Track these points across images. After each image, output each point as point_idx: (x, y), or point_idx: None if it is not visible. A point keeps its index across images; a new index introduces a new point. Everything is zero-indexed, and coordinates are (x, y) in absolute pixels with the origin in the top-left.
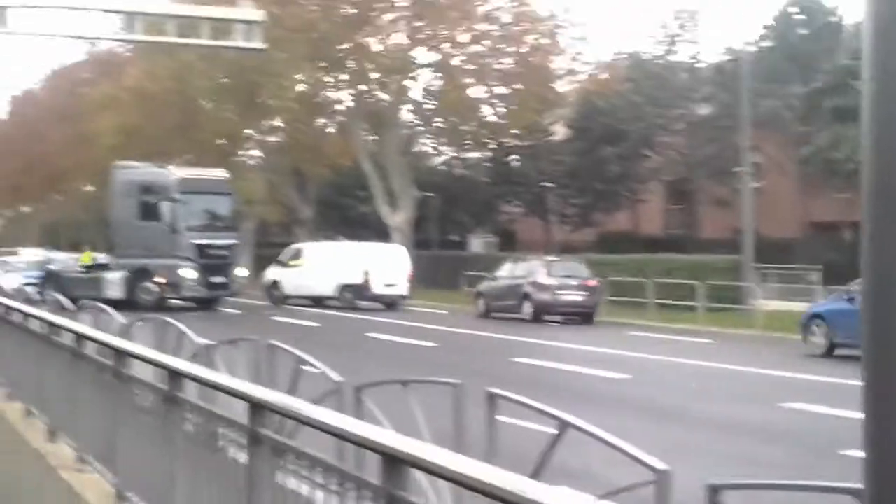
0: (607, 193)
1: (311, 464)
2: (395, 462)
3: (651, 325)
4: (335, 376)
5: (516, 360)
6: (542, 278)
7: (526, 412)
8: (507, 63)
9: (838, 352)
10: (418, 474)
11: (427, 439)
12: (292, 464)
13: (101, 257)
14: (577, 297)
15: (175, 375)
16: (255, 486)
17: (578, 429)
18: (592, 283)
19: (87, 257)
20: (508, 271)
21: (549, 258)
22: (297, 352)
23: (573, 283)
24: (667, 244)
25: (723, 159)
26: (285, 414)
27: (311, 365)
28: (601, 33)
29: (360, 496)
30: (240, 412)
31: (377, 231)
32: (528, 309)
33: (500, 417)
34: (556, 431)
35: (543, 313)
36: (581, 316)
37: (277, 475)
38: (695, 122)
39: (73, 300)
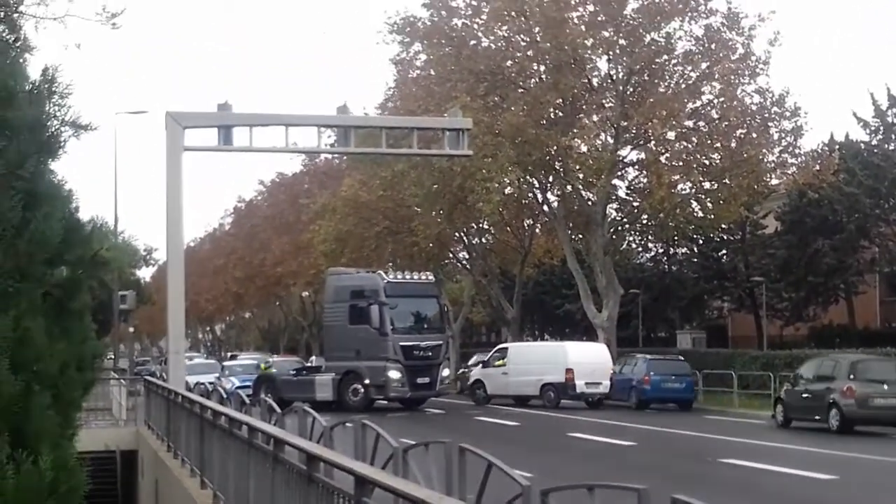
0: (821, 286)
1: None
2: None
3: None
4: (523, 480)
5: (720, 460)
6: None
7: None
8: (715, 158)
9: None
10: None
11: None
12: None
13: (314, 360)
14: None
15: (361, 481)
16: None
17: None
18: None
19: (265, 367)
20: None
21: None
22: (487, 455)
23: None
24: (885, 337)
25: None
26: None
27: (501, 468)
28: (812, 122)
29: None
30: None
31: (582, 329)
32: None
33: None
34: None
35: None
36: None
37: None
38: None
39: (285, 402)
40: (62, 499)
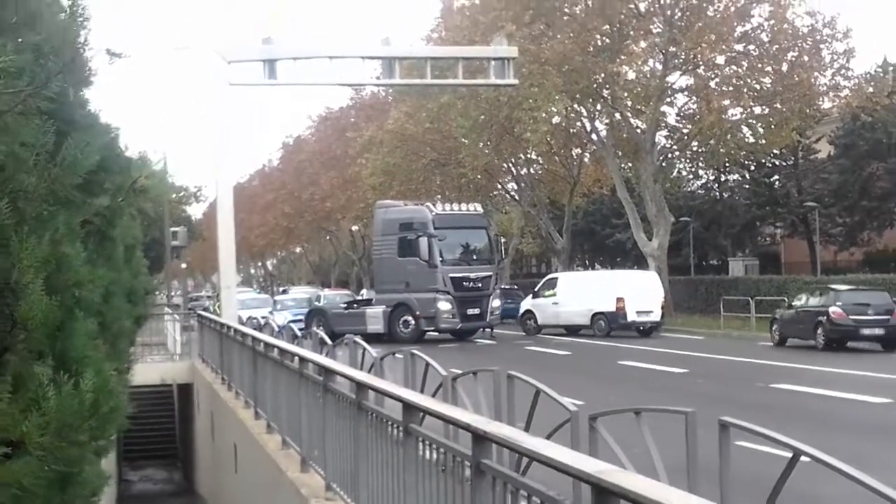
0: (875, 211)
1: (531, 496)
2: (603, 494)
3: None
4: (570, 406)
5: (773, 385)
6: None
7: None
8: (766, 82)
9: None
10: None
11: (659, 468)
12: (515, 496)
13: (364, 293)
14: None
15: (409, 408)
16: None
17: (811, 456)
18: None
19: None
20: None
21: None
22: (535, 382)
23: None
24: None
25: None
26: (505, 445)
27: (549, 395)
28: (865, 43)
29: None
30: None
31: (633, 258)
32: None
33: (739, 443)
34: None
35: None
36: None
37: None
38: None
39: (337, 335)
40: (104, 419)
